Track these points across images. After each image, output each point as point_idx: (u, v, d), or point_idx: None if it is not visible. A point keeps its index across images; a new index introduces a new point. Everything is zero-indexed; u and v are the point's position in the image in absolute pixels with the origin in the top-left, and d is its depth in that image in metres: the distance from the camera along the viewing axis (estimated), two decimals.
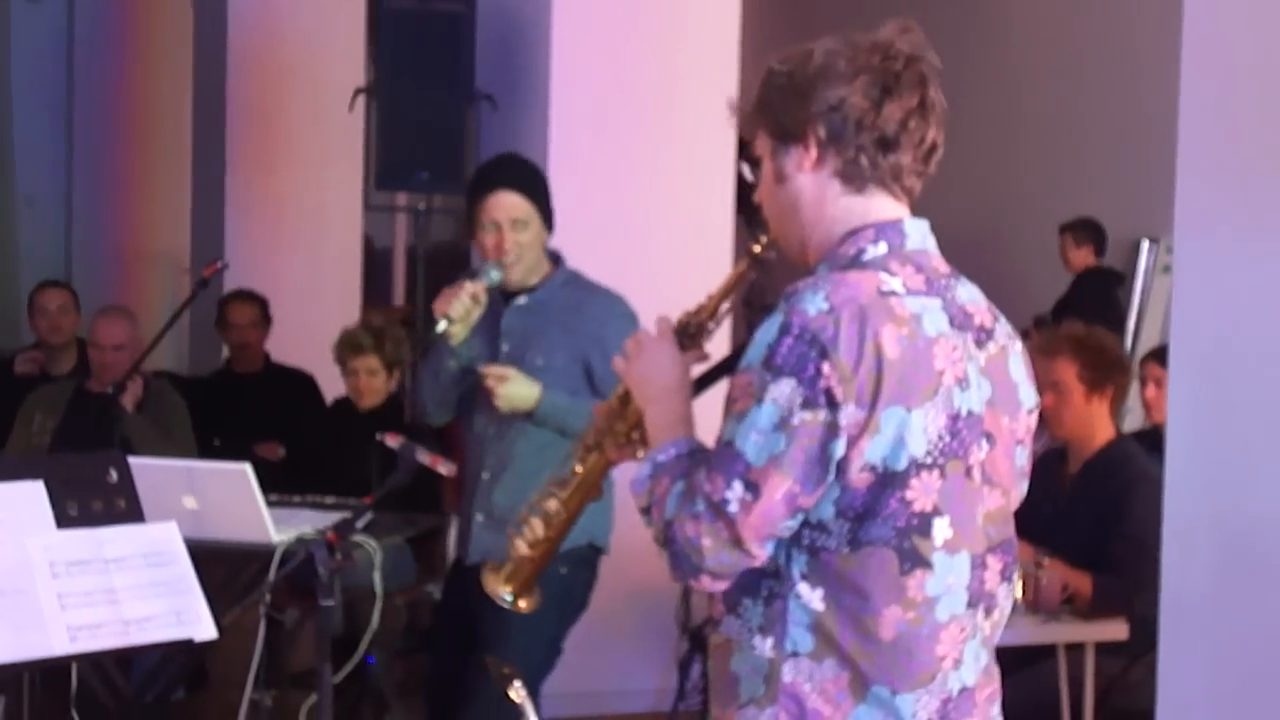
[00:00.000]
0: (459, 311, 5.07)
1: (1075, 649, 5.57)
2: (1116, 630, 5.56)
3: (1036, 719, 5.36)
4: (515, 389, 5.14)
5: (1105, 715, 5.65)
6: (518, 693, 3.69)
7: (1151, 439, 6.70)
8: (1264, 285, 4.89)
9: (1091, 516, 5.73)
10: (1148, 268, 11.48)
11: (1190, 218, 5.11)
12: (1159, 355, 7.00)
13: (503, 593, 3.02)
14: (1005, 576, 2.76)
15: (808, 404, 2.53)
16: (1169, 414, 5.19)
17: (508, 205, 5.24)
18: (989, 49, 11.98)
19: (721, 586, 2.65)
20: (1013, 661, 2.85)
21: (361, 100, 8.71)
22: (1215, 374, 5.01)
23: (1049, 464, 5.88)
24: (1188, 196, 5.11)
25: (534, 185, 5.32)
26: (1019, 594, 4.70)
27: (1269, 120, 4.91)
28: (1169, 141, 5.23)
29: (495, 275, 5.19)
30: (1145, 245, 11.45)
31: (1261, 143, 4.92)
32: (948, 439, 2.61)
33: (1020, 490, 2.82)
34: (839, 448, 2.54)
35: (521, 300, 5.29)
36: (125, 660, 5.34)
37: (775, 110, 2.75)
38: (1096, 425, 5.88)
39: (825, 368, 2.53)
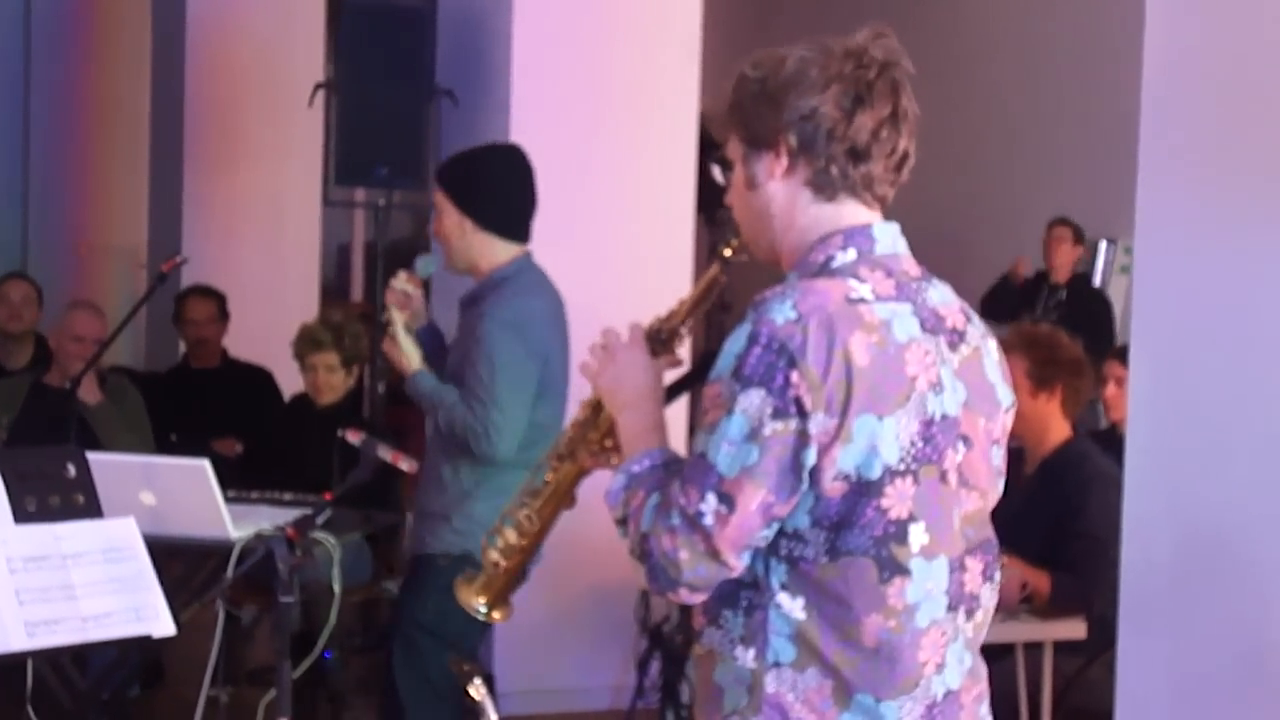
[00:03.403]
0: (392, 301, 5.38)
1: (1033, 648, 5.59)
2: (1074, 629, 5.57)
3: (995, 718, 5.37)
4: (393, 353, 5.35)
5: (1063, 714, 5.66)
6: (477, 690, 3.69)
7: (1109, 438, 6.72)
8: (1223, 285, 4.92)
9: (1048, 516, 5.73)
10: (1105, 267, 11.50)
11: (1150, 218, 5.13)
12: (1120, 354, 7.02)
13: (476, 604, 2.98)
14: (987, 576, 2.76)
15: (778, 414, 2.52)
16: (1129, 413, 5.21)
17: (435, 195, 5.43)
18: (948, 51, 11.99)
19: (700, 598, 2.63)
20: (983, 664, 2.84)
21: (321, 95, 8.68)
22: (1175, 373, 5.03)
23: (1006, 463, 5.89)
24: (1148, 198, 5.13)
25: (449, 175, 5.44)
26: None
27: (1230, 122, 4.93)
28: (1128, 142, 5.25)
29: (422, 265, 5.44)
30: (1103, 246, 11.48)
31: (1222, 145, 4.94)
32: (920, 445, 2.61)
33: (998, 489, 2.83)
34: (810, 456, 2.53)
35: (464, 297, 5.41)
36: (82, 656, 5.31)
37: (747, 116, 2.74)
38: (1049, 424, 5.88)
39: (794, 377, 2.52)
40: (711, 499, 2.54)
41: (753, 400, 2.53)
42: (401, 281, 5.37)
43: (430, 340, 5.42)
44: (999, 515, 2.87)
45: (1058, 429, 5.89)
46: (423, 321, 5.41)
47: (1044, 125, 11.86)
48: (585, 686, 7.58)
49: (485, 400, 5.13)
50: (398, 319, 5.32)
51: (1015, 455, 5.97)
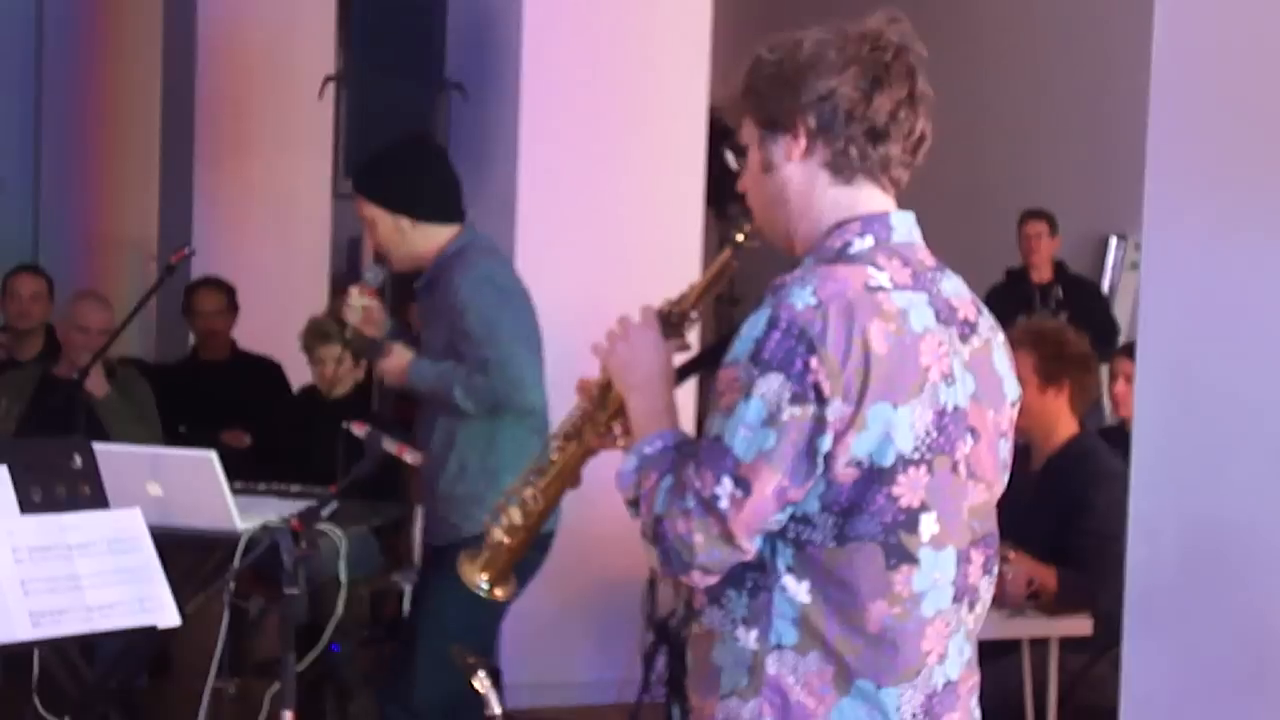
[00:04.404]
0: (353, 319, 5.40)
1: (1039, 644, 5.58)
2: (1081, 626, 5.56)
3: (1000, 715, 5.35)
4: (387, 363, 5.32)
5: (1069, 711, 5.65)
6: (481, 682, 3.69)
7: (1117, 435, 6.71)
8: (1232, 281, 4.90)
9: (1055, 512, 5.72)
10: (1115, 264, 11.48)
11: (1159, 214, 5.12)
12: (1129, 351, 7.01)
13: (479, 581, 3.00)
14: (987, 569, 2.76)
15: (796, 399, 2.52)
16: (1136, 409, 5.19)
17: (359, 209, 5.39)
18: (956, 43, 11.97)
19: (711, 581, 2.63)
20: (977, 656, 2.84)
21: (331, 88, 8.68)
22: (1183, 370, 5.02)
23: (1013, 459, 5.89)
24: (1157, 193, 5.11)
25: (369, 183, 5.40)
26: None
27: (1238, 118, 4.91)
28: (1138, 138, 5.23)
29: (370, 276, 5.49)
30: (1113, 242, 11.46)
31: (1230, 140, 4.93)
32: (934, 435, 2.61)
33: (1002, 483, 2.82)
34: (825, 442, 2.54)
35: (418, 284, 5.39)
36: (89, 647, 5.32)
37: (764, 99, 2.73)
38: (1056, 419, 5.87)
39: (813, 362, 2.52)
40: (727, 483, 2.54)
41: (771, 385, 2.53)
42: (357, 298, 5.37)
43: (398, 338, 5.44)
44: (1006, 510, 2.86)
45: (1065, 425, 5.88)
46: (387, 327, 5.42)
47: (1052, 118, 11.83)
48: (591, 680, 7.58)
49: (496, 360, 5.12)
50: (372, 331, 5.33)
51: (1022, 451, 5.97)
